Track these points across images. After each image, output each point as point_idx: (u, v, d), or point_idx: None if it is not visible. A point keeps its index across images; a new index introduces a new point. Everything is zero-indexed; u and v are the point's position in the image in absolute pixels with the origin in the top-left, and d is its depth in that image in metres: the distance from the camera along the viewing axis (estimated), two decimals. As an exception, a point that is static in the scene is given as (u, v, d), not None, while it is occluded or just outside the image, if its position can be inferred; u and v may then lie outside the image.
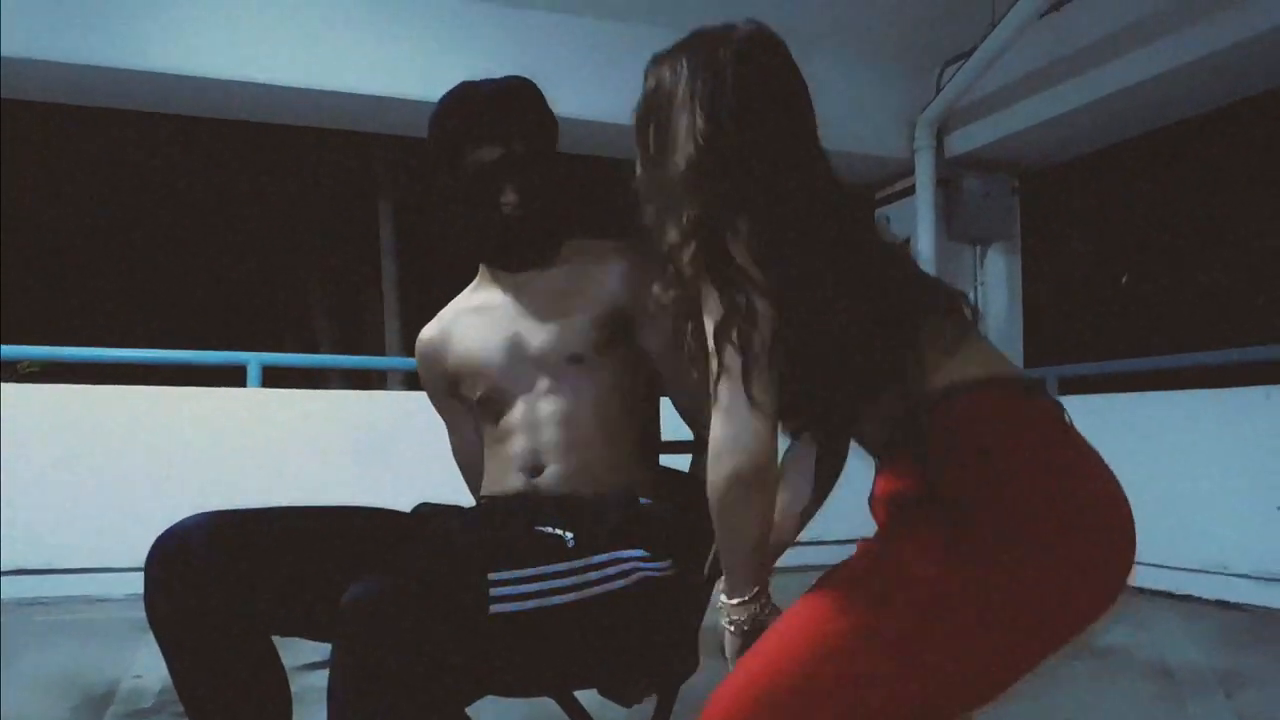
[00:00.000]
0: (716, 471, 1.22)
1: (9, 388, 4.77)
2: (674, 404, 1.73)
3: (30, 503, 4.65)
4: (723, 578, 1.31)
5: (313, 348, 12.24)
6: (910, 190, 6.09)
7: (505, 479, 1.65)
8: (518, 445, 1.63)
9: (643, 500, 1.58)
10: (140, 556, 4.60)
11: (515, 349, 1.66)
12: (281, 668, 1.45)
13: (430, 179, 1.71)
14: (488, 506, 1.67)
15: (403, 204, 11.12)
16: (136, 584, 4.69)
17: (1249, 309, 10.30)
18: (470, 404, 1.75)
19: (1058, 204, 10.10)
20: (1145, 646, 3.78)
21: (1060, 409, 1.32)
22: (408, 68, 5.17)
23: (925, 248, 5.85)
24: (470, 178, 1.63)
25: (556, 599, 1.33)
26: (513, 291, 1.72)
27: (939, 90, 5.73)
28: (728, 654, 1.30)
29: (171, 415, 4.97)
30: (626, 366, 1.65)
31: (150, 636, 3.70)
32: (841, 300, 1.26)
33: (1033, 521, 1.19)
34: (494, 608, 1.27)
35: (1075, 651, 3.64)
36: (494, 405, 1.69)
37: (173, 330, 13.84)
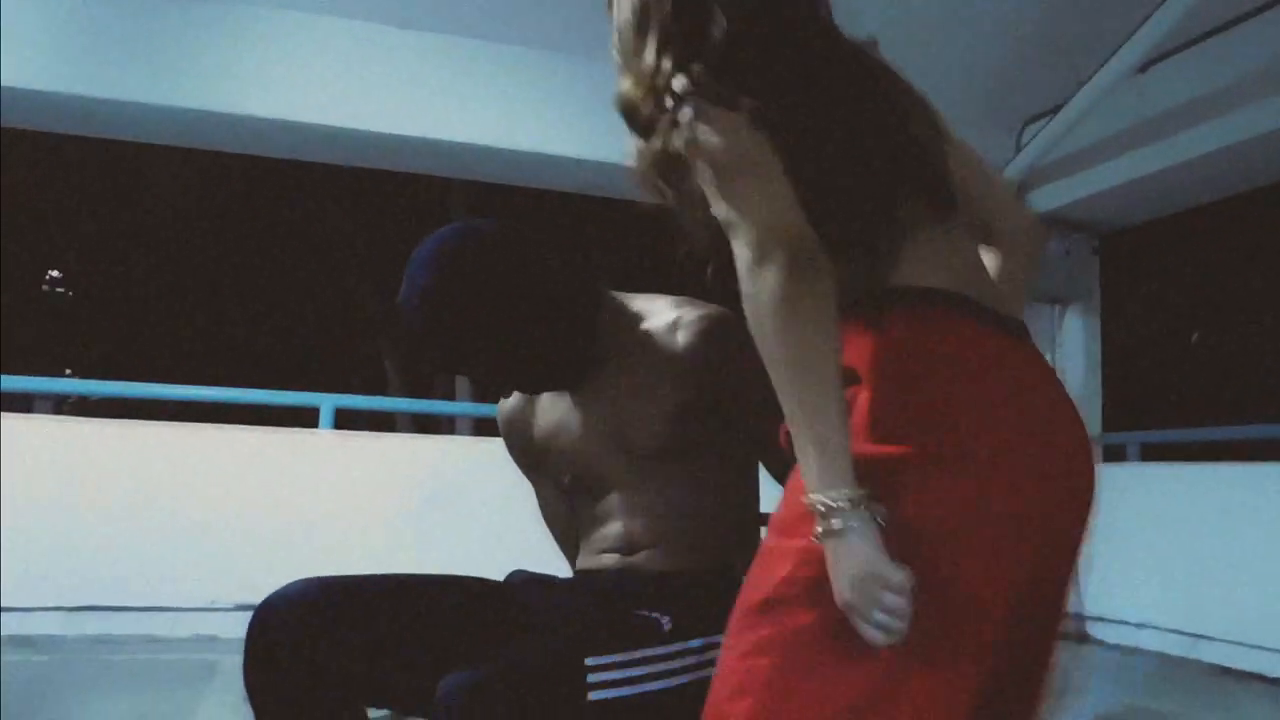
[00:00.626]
0: (754, 293, 1.05)
1: (79, 422, 4.82)
2: (767, 469, 1.67)
3: (96, 541, 4.66)
4: (804, 471, 1.11)
5: (382, 391, 12.36)
6: (985, 248, 6.00)
7: (599, 558, 1.62)
8: (611, 529, 1.63)
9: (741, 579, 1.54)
10: (206, 597, 4.59)
11: (601, 439, 1.64)
12: None
13: None
14: (583, 582, 1.63)
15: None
16: (201, 624, 4.74)
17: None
18: (558, 481, 1.74)
19: (1138, 265, 9.97)
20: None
21: (1008, 331, 1.25)
22: (484, 115, 5.18)
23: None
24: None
25: (653, 685, 1.30)
26: (590, 377, 1.68)
27: (1019, 149, 5.65)
28: (840, 590, 1.07)
29: (244, 456, 4.98)
30: (716, 445, 1.61)
31: (213, 687, 3.68)
32: (830, 145, 1.13)
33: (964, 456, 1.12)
34: (591, 694, 1.24)
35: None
36: (583, 489, 1.68)
37: (243, 371, 14.04)
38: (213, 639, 4.72)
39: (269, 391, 5.62)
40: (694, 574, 1.55)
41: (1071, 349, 6.01)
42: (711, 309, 1.62)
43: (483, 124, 5.15)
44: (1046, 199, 5.80)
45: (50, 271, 16.17)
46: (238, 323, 14.91)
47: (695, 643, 1.43)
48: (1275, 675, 4.57)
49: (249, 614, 4.70)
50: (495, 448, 5.50)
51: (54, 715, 3.44)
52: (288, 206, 12.21)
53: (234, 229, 13.10)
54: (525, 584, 1.67)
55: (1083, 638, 5.68)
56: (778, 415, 1.59)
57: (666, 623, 1.42)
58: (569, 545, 1.82)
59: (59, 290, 16.84)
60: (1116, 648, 5.46)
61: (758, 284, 1.04)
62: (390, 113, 5.07)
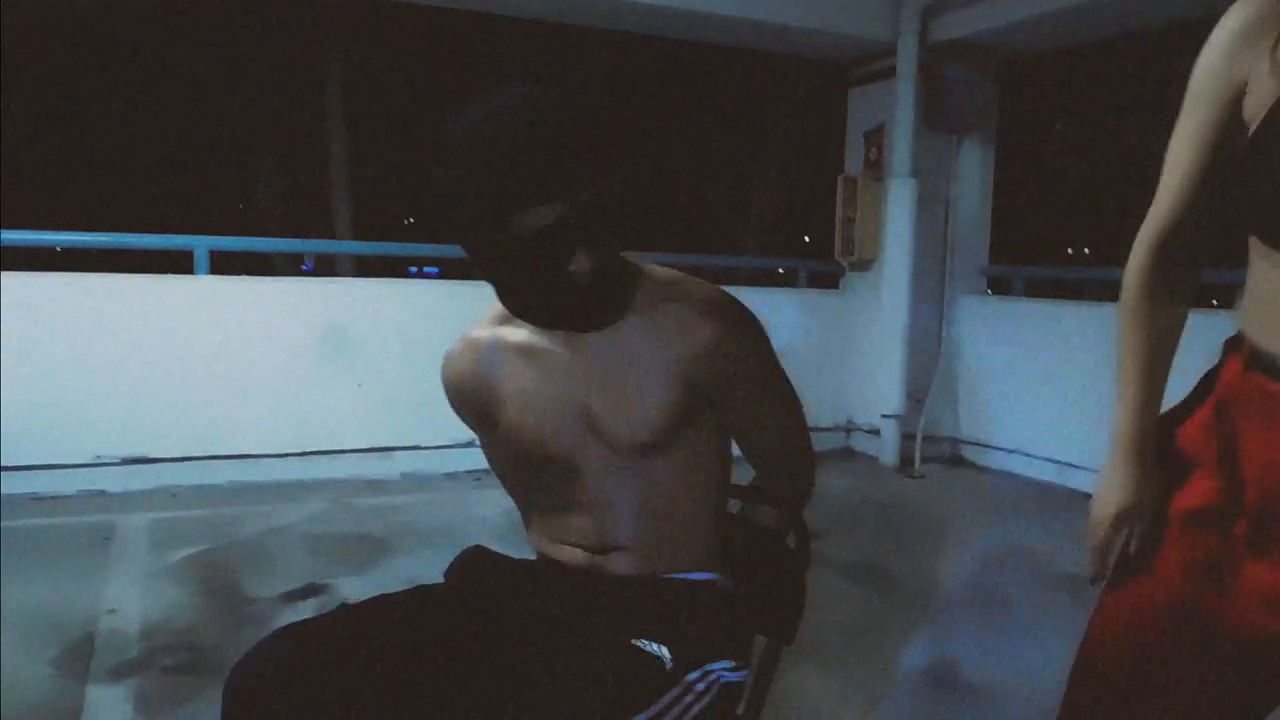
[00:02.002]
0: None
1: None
2: (742, 450, 1.61)
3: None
4: None
5: (260, 232, 11.74)
6: (886, 72, 5.88)
7: (561, 550, 1.53)
8: (581, 523, 1.49)
9: (719, 578, 1.51)
10: (92, 452, 4.43)
11: (581, 423, 1.43)
12: None
13: (463, 232, 1.35)
14: (559, 591, 1.51)
15: (351, 76, 10.49)
16: (90, 480, 4.59)
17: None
18: (518, 451, 1.58)
19: (1037, 97, 9.92)
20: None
21: None
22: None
23: (903, 136, 5.70)
24: (527, 243, 1.29)
25: None
26: (572, 344, 1.45)
27: (926, -27, 5.45)
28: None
29: (120, 305, 4.71)
30: (703, 438, 1.51)
31: (113, 555, 3.59)
32: None
33: None
34: None
35: (1042, 582, 3.77)
36: (550, 473, 1.49)
37: (118, 216, 13.24)
38: (101, 493, 4.61)
39: (141, 235, 5.22)
40: (687, 587, 1.46)
41: (967, 179, 6.04)
42: (718, 290, 1.46)
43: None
44: (950, 27, 5.66)
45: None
46: (110, 166, 14.09)
47: (693, 675, 1.36)
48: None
49: (138, 467, 4.56)
50: (379, 289, 5.33)
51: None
52: (160, 41, 11.21)
53: (103, 65, 12.06)
54: (496, 587, 1.54)
55: (956, 460, 6.02)
56: (777, 403, 1.52)
57: (668, 657, 1.36)
58: (524, 506, 1.68)
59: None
60: (987, 470, 5.81)
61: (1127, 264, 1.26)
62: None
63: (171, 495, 4.64)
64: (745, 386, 1.46)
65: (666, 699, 1.30)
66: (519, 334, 1.50)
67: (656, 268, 1.50)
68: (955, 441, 6.08)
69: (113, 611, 3.20)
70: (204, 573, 3.54)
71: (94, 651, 2.89)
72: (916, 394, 5.86)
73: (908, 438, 5.79)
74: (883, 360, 5.86)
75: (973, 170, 6.03)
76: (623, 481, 1.46)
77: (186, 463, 4.78)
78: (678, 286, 1.45)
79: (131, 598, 3.32)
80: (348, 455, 5.07)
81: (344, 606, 1.46)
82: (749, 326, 1.45)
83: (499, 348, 1.51)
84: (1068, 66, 8.68)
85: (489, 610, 1.47)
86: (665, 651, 1.36)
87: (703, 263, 7.15)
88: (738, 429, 1.52)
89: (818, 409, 6.22)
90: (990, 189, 6.17)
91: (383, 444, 5.12)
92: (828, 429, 6.22)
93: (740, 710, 1.49)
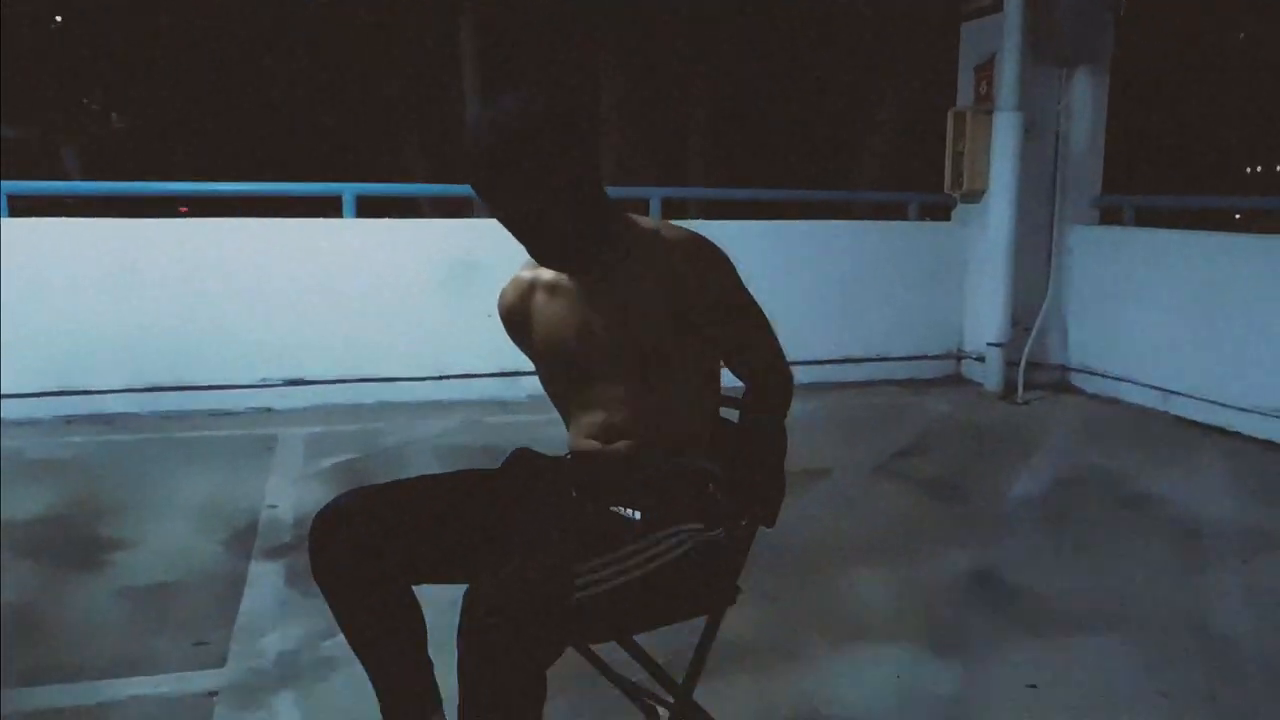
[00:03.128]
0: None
1: (130, 223, 5.17)
2: (733, 370, 1.96)
3: (158, 326, 5.14)
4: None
5: (406, 178, 12.55)
6: (997, 5, 5.89)
7: (582, 443, 1.93)
8: (596, 417, 1.89)
9: (705, 465, 1.87)
10: (258, 374, 5.16)
11: (590, 339, 1.84)
12: (419, 609, 1.81)
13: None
14: (570, 470, 1.92)
15: (485, 22, 11.00)
16: (257, 399, 5.29)
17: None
18: (554, 366, 1.97)
19: (1157, 30, 9.53)
20: (1181, 500, 4.05)
21: None
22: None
23: (1009, 69, 5.74)
24: (508, 221, 1.72)
25: (625, 577, 1.65)
26: (582, 282, 1.86)
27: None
28: None
29: (282, 245, 5.34)
30: (692, 351, 1.86)
31: (274, 461, 4.23)
32: None
33: None
34: (577, 595, 1.59)
35: (1113, 502, 3.96)
36: (573, 379, 1.91)
37: (266, 164, 14.41)
38: (268, 410, 5.28)
39: (294, 184, 5.84)
40: (662, 467, 1.80)
41: (1078, 111, 6.03)
42: (693, 233, 1.83)
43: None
44: (1062, -46, 5.65)
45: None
46: (260, 118, 15.35)
47: (661, 534, 1.69)
48: (1233, 429, 5.00)
49: (297, 387, 5.22)
50: (503, 230, 5.81)
51: (146, 490, 3.99)
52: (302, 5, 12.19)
53: (248, 25, 13.08)
54: (525, 470, 1.96)
55: (1064, 387, 6.12)
56: (750, 323, 1.87)
57: (637, 519, 1.77)
58: (563, 413, 2.10)
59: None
60: (1094, 397, 5.90)
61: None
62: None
63: (327, 413, 5.27)
64: (719, 310, 1.81)
65: (632, 548, 1.67)
66: (548, 274, 1.92)
67: (642, 219, 1.88)
68: (1064, 369, 6.17)
69: (273, 506, 3.79)
70: (349, 476, 4.10)
71: (256, 536, 3.47)
72: (1024, 323, 5.97)
73: (1014, 365, 5.92)
74: (988, 289, 5.99)
75: (1084, 101, 6.02)
76: (626, 386, 1.85)
77: (339, 384, 5.40)
78: (659, 234, 1.82)
79: (288, 495, 3.91)
80: (479, 379, 5.60)
81: (417, 477, 1.90)
82: (718, 263, 1.80)
83: (535, 285, 1.95)
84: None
85: (518, 487, 1.89)
86: (636, 515, 1.74)
87: (817, 197, 7.34)
88: (723, 345, 1.88)
89: (930, 337, 6.41)
90: (1103, 120, 6.14)
91: (510, 369, 5.62)
92: (938, 356, 6.40)
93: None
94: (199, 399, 5.19)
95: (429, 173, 12.61)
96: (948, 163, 6.25)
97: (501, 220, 1.73)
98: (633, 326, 1.81)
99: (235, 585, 3.04)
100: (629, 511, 1.76)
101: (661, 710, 2.00)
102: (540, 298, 1.94)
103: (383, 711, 1.85)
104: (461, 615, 1.52)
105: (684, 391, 1.86)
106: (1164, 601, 3.00)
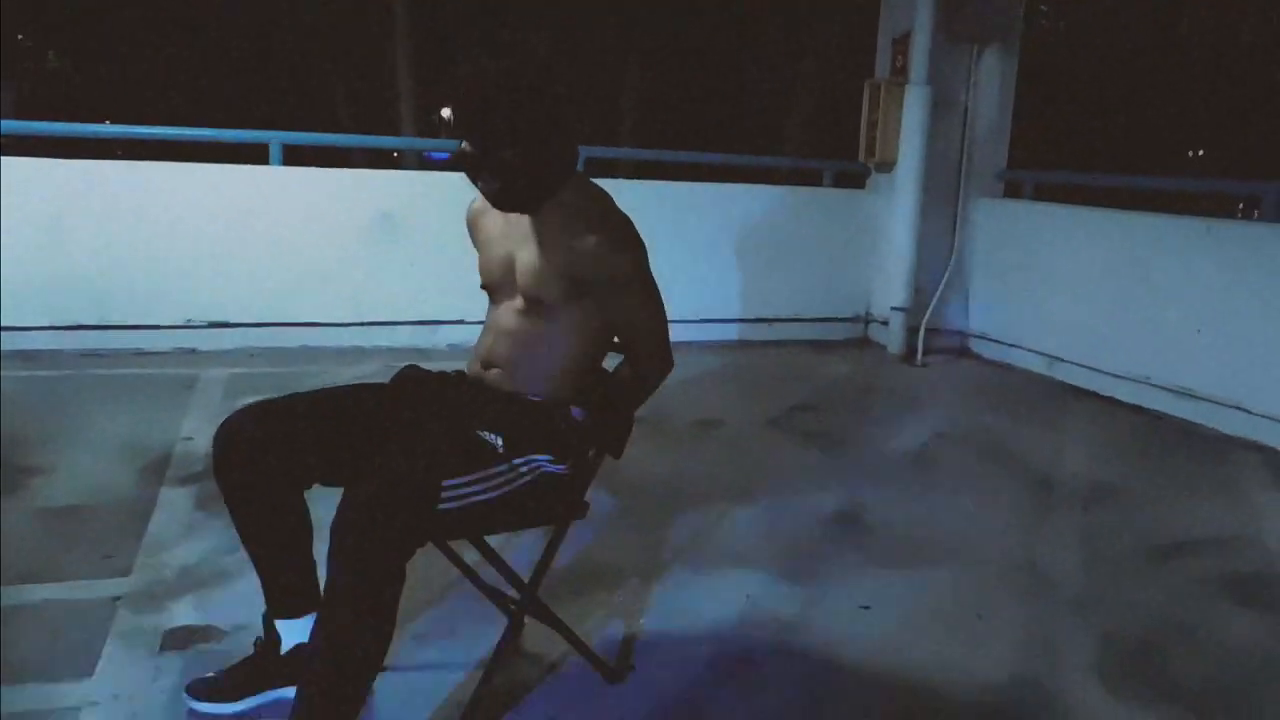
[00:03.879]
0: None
1: (56, 163, 5.25)
2: (619, 340, 2.20)
3: (83, 266, 5.25)
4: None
5: (334, 128, 12.59)
6: (913, -17, 6.14)
7: (472, 364, 2.17)
8: (486, 339, 2.15)
9: (574, 410, 2.11)
10: (183, 315, 5.34)
11: (504, 268, 2.11)
12: (306, 512, 2.04)
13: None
14: (452, 391, 2.15)
15: None
16: (182, 340, 5.45)
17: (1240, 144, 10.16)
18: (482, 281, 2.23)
19: (1063, 8, 9.86)
20: (1043, 455, 4.38)
21: None
22: None
23: (920, 45, 5.99)
24: (459, 160, 1.97)
25: (484, 495, 1.90)
26: (513, 218, 2.12)
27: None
28: None
29: (205, 191, 5.45)
30: (581, 312, 2.06)
31: (194, 399, 4.41)
32: None
33: None
34: (441, 506, 1.83)
35: (979, 455, 4.27)
36: (490, 300, 2.19)
37: (198, 108, 14.40)
38: (192, 351, 5.43)
39: (222, 130, 5.93)
40: (529, 402, 2.03)
41: (986, 88, 6.31)
42: (620, 217, 2.08)
43: None
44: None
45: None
46: (191, 62, 15.33)
47: (519, 460, 1.97)
48: (1107, 394, 5.36)
49: (222, 330, 5.37)
50: (436, 182, 5.94)
51: (65, 422, 4.15)
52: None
53: None
54: (412, 384, 2.19)
55: (963, 353, 6.45)
56: (641, 307, 2.10)
57: (500, 444, 2.01)
58: None
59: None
60: (990, 363, 6.24)
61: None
62: None
63: (250, 355, 5.42)
64: (615, 286, 2.04)
65: (492, 470, 1.93)
66: None
67: (595, 188, 2.12)
68: (964, 335, 6.50)
69: (188, 439, 3.97)
70: (264, 414, 4.29)
71: (170, 465, 3.66)
72: (928, 290, 6.28)
73: (916, 330, 6.24)
74: (894, 256, 6.28)
75: (992, 79, 6.30)
76: (516, 321, 2.10)
77: (262, 328, 5.56)
78: (594, 205, 2.08)
79: (204, 430, 4.08)
80: (401, 326, 5.78)
81: (311, 391, 2.12)
82: (629, 246, 2.03)
83: (486, 208, 2.21)
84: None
85: (405, 400, 2.13)
86: (499, 441, 1.98)
87: (738, 162, 7.57)
88: (611, 317, 2.10)
89: (839, 300, 6.71)
90: (1011, 97, 6.43)
91: (430, 318, 5.81)
92: (847, 319, 6.70)
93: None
94: (123, 338, 5.32)
95: (355, 124, 12.73)
96: (862, 133, 6.52)
97: (467, 164, 1.97)
98: (531, 273, 2.06)
99: (146, 508, 3.23)
100: (492, 436, 2.01)
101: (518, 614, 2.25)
102: (483, 220, 2.24)
103: (267, 604, 2.09)
104: (336, 512, 1.76)
105: (563, 342, 2.10)
106: (999, 540, 3.32)
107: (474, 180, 2.01)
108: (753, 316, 6.48)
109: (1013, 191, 6.50)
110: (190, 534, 3.03)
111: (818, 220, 6.68)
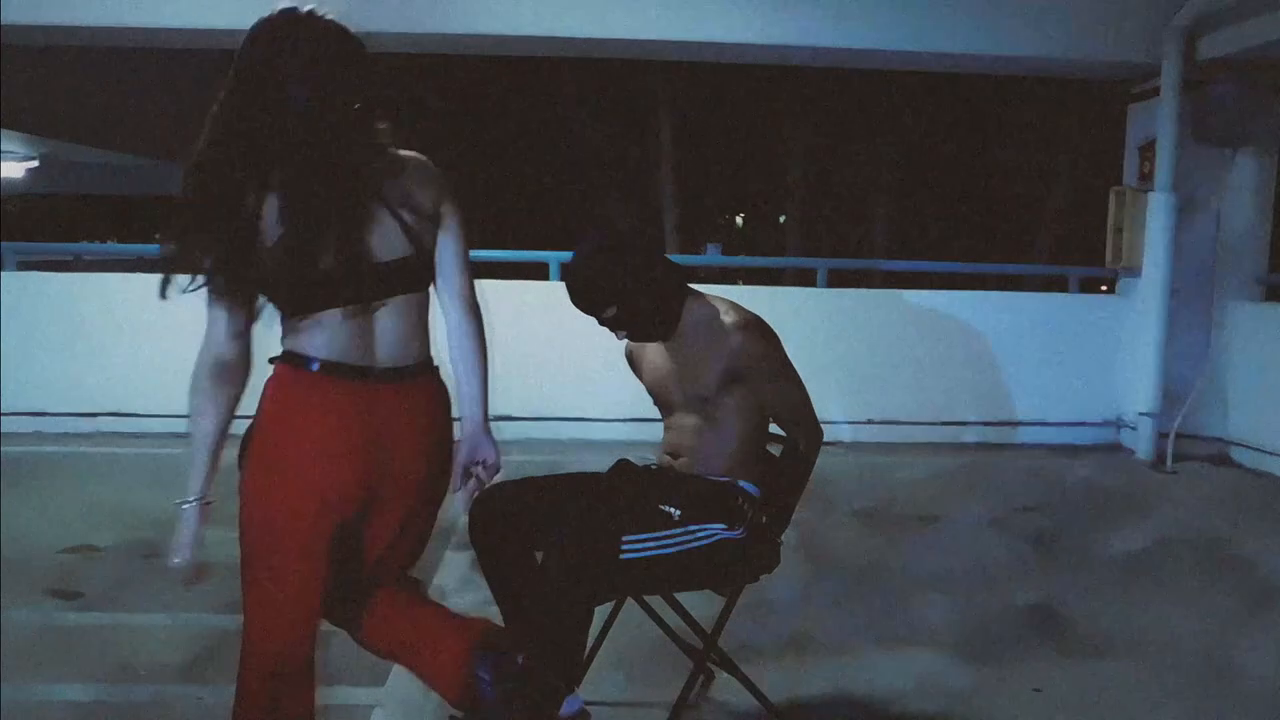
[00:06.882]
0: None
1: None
2: (775, 421, 2.68)
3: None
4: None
5: None
6: (1159, 90, 6.22)
7: (662, 456, 2.71)
8: (670, 437, 2.68)
9: (743, 483, 2.59)
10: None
11: (667, 383, 2.67)
12: (536, 564, 2.62)
13: None
14: (645, 475, 2.69)
15: (679, 119, 12.40)
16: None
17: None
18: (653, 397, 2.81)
19: None
20: (1274, 564, 4.30)
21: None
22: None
23: (1165, 152, 6.05)
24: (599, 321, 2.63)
25: (659, 551, 2.41)
26: (674, 338, 2.68)
27: (1187, -4, 5.81)
28: None
29: (482, 304, 6.37)
30: (739, 400, 2.59)
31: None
32: None
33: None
34: (622, 556, 2.36)
35: (1205, 561, 4.27)
36: (661, 407, 2.76)
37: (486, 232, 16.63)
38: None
39: (508, 251, 6.91)
40: (705, 480, 2.55)
41: (1238, 191, 6.24)
42: (750, 315, 2.60)
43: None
44: (1219, 45, 5.93)
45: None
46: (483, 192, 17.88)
47: (692, 526, 2.45)
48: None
49: (507, 423, 6.19)
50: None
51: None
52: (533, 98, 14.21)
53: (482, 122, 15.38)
54: (623, 472, 2.76)
55: (1222, 460, 6.25)
56: (784, 386, 2.61)
57: (677, 514, 2.52)
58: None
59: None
60: (1249, 471, 6.02)
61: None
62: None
63: (526, 445, 6.22)
64: (763, 375, 2.55)
65: (667, 533, 2.43)
66: None
67: (713, 297, 2.66)
68: (1224, 442, 6.31)
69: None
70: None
71: (454, 533, 4.39)
72: (1179, 394, 6.18)
73: (1167, 435, 6.14)
74: (1142, 361, 6.25)
75: (1245, 182, 6.22)
76: (686, 419, 2.62)
77: (539, 422, 6.37)
78: (720, 311, 2.61)
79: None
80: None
81: (546, 475, 2.73)
82: (763, 335, 2.56)
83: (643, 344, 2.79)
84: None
85: (614, 484, 2.68)
86: (676, 511, 2.48)
87: (987, 270, 7.76)
88: (762, 399, 2.60)
89: (1087, 405, 6.69)
90: (1270, 199, 6.30)
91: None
92: (1096, 424, 6.67)
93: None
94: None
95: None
96: (1109, 238, 6.58)
97: (605, 326, 2.63)
98: (689, 380, 2.61)
99: (433, 565, 3.96)
100: (671, 508, 2.52)
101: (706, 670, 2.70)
102: (640, 348, 2.81)
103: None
104: (540, 560, 2.33)
105: (726, 428, 2.60)
106: (1194, 641, 3.38)
107: (614, 333, 2.64)
108: (994, 419, 6.62)
109: (1275, 295, 6.31)
110: (465, 587, 3.72)
111: (1065, 325, 6.75)
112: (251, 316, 1.92)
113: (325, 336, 1.91)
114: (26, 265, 6.82)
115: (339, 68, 1.89)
